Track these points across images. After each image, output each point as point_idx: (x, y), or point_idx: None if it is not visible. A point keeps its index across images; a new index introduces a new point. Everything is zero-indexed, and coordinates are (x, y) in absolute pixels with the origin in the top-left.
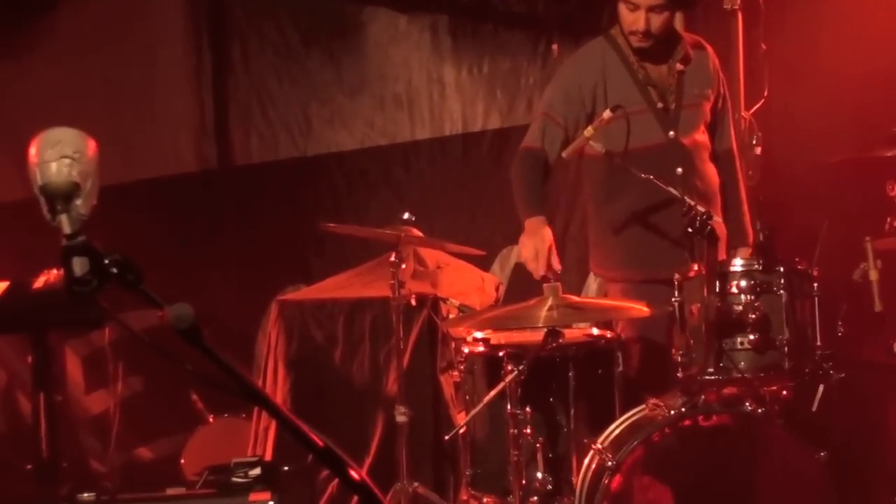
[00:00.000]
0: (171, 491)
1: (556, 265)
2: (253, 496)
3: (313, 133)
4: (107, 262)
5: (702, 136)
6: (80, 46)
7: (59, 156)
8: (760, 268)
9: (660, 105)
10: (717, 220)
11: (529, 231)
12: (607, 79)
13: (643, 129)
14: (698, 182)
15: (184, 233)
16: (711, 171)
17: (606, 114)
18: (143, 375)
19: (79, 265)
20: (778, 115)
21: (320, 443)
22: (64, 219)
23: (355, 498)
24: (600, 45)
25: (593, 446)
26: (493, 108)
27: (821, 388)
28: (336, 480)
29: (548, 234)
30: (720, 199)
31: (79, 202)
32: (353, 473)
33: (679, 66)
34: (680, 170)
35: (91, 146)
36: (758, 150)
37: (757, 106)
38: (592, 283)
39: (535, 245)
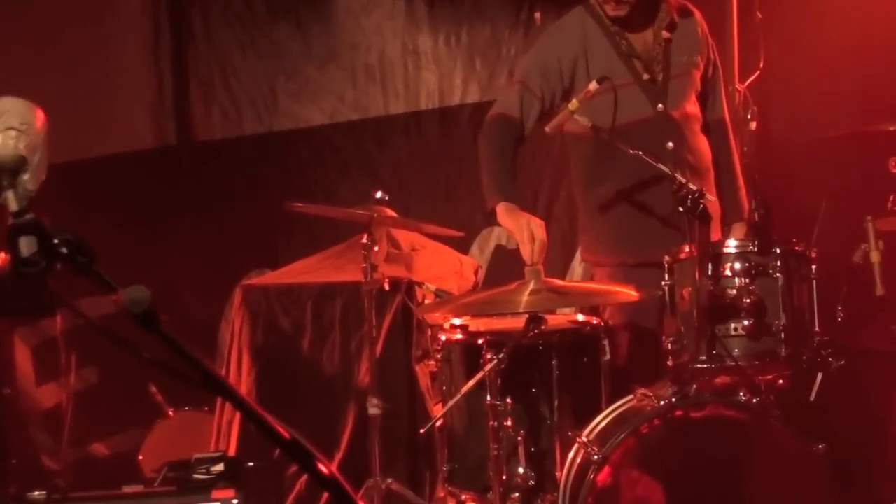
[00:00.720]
0: (127, 489)
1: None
2: (216, 494)
3: (280, 107)
4: (56, 241)
5: (693, 108)
6: (32, 16)
7: (4, 127)
8: (756, 249)
9: (646, 77)
10: (710, 198)
11: (508, 212)
12: (588, 51)
13: (629, 103)
14: (690, 156)
15: (140, 213)
16: (704, 144)
17: (592, 86)
18: (98, 366)
19: (26, 245)
20: (774, 88)
21: (288, 436)
22: (10, 195)
23: (325, 494)
24: (580, 15)
25: (578, 439)
26: (473, 80)
27: (819, 376)
28: (305, 476)
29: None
30: (713, 174)
31: (26, 177)
32: (323, 468)
33: (665, 34)
34: (671, 144)
35: (39, 117)
36: (753, 125)
37: (752, 78)
38: (577, 265)
39: (530, 226)
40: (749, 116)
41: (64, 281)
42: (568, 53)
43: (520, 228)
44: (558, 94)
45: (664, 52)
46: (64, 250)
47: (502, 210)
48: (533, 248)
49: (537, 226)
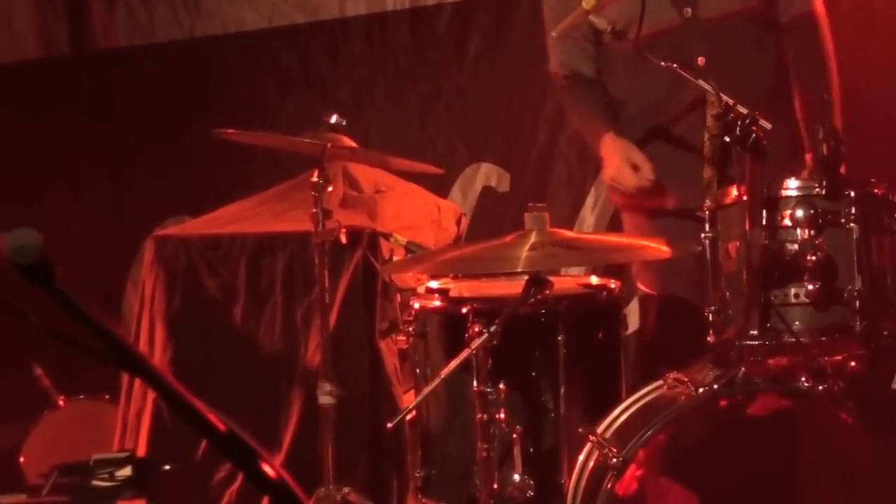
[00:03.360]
0: (6, 500)
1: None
2: None
3: (204, 7)
4: None
5: (743, 5)
6: None
7: None
8: (823, 192)
9: None
10: (765, 124)
11: (614, 140)
12: None
13: (654, 7)
14: (731, 77)
15: (21, 141)
16: (760, 60)
17: None
18: None
19: None
20: None
21: (222, 428)
22: None
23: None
24: None
25: (591, 437)
26: None
27: None
28: (238, 483)
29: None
30: (782, 104)
31: None
32: (269, 470)
33: None
34: (701, 60)
35: None
36: None
37: None
38: (589, 214)
39: (623, 152)
40: None
41: None
42: None
43: (627, 150)
44: None
45: None
46: None
47: (610, 139)
48: (635, 173)
49: (624, 144)
